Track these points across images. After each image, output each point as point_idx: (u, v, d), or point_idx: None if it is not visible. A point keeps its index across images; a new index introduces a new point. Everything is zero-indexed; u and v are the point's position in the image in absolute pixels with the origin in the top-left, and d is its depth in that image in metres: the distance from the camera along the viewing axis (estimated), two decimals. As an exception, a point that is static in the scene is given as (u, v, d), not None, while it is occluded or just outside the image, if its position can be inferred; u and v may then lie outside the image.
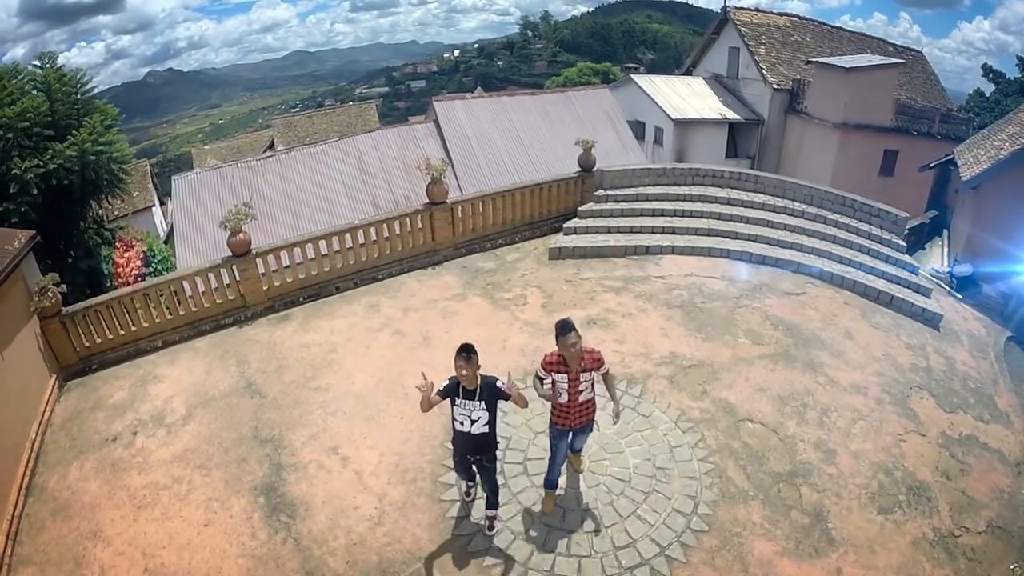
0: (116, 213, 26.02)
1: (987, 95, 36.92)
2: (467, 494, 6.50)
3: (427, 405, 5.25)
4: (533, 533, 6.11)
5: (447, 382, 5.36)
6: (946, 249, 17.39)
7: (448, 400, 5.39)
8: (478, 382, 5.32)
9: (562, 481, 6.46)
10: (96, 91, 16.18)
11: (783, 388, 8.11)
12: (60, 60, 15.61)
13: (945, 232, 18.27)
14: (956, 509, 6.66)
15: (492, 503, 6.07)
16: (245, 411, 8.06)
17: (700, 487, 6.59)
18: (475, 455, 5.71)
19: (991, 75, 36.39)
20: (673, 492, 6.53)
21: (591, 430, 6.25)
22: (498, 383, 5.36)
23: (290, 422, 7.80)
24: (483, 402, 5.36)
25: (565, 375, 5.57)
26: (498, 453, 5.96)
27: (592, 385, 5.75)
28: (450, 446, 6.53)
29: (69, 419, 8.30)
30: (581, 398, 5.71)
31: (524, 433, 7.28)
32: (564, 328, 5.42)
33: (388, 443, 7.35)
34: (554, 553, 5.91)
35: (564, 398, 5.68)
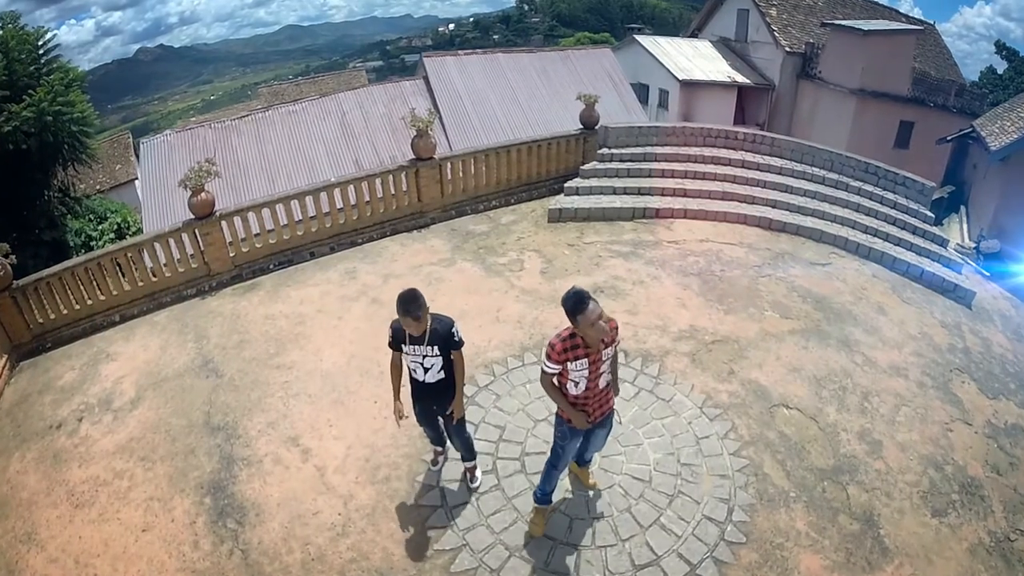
0: (97, 187, 25.34)
1: (999, 72, 36.30)
2: (434, 463, 5.72)
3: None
4: (533, 549, 5.02)
5: (390, 332, 4.73)
6: (965, 226, 16.81)
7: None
8: (426, 326, 4.58)
9: (567, 483, 5.32)
10: (87, 68, 15.21)
11: (818, 368, 7.11)
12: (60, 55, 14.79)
13: (962, 208, 17.69)
14: (1009, 509, 5.84)
15: (468, 457, 5.51)
16: (198, 393, 7.04)
17: (734, 487, 5.52)
18: (437, 405, 5.00)
19: (1004, 52, 35.62)
20: (703, 494, 5.44)
21: (611, 424, 4.95)
22: (453, 329, 4.68)
23: (247, 406, 6.74)
24: (434, 347, 4.66)
25: (585, 359, 4.32)
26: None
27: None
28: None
29: (16, 403, 7.45)
30: (601, 382, 4.53)
31: (521, 421, 6.18)
32: (580, 300, 4.12)
33: (357, 432, 6.27)
34: (559, 575, 4.83)
35: (581, 387, 4.45)
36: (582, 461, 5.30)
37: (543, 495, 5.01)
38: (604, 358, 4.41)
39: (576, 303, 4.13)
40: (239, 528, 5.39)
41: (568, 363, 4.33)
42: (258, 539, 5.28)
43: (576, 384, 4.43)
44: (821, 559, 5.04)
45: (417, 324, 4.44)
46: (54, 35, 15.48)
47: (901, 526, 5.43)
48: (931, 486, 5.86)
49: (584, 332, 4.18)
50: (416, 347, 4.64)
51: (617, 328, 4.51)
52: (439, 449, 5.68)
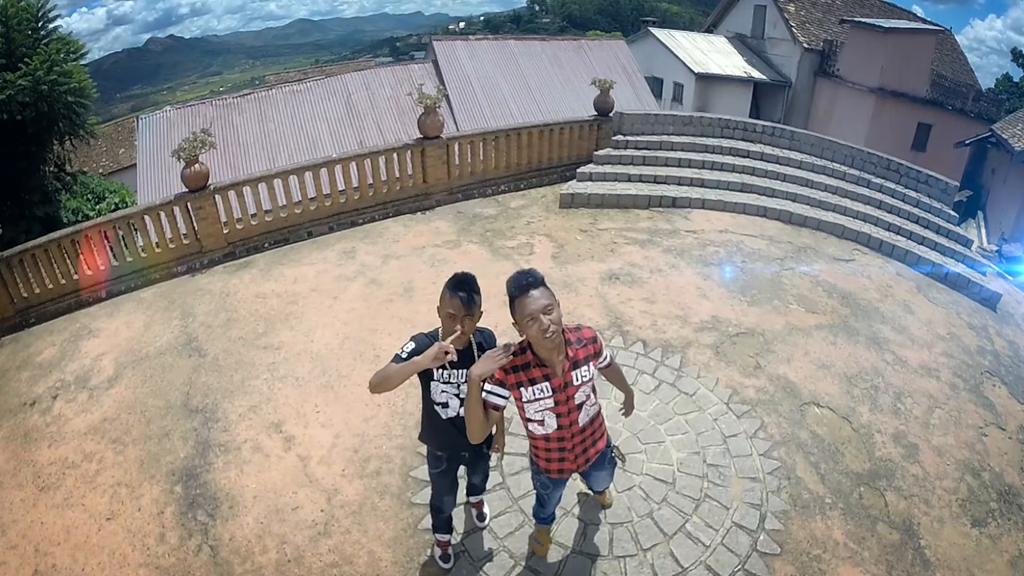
0: (100, 171, 25.03)
1: (1015, 80, 36.17)
2: (445, 558, 4.36)
3: (400, 379, 3.19)
4: (542, 558, 4.41)
5: (413, 344, 3.27)
6: (983, 231, 16.57)
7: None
8: (473, 340, 3.40)
9: (580, 484, 4.64)
10: (97, 57, 14.84)
11: (848, 366, 6.62)
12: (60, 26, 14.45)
13: (980, 214, 17.56)
14: (1047, 519, 5.36)
15: (481, 489, 4.48)
16: (179, 373, 6.56)
17: (766, 492, 4.97)
18: (470, 450, 3.69)
19: (1020, 60, 35.34)
20: (731, 499, 4.88)
21: (612, 464, 3.96)
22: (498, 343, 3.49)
23: (229, 388, 6.24)
24: None
25: (546, 383, 3.13)
26: None
27: (594, 388, 3.36)
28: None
29: (-6, 380, 7.01)
30: (583, 417, 3.33)
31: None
32: (522, 283, 2.96)
33: (347, 419, 5.73)
34: (572, 589, 4.24)
35: (551, 426, 3.28)
36: (593, 491, 4.55)
37: (545, 517, 4.19)
38: (577, 381, 3.18)
39: (518, 285, 2.97)
40: (210, 521, 4.88)
41: (524, 389, 3.13)
42: (230, 535, 4.76)
43: (542, 423, 3.26)
44: (861, 572, 4.52)
45: (465, 315, 3.21)
46: (54, 6, 15.14)
47: (941, 536, 4.97)
48: (969, 494, 5.41)
49: (525, 331, 3.01)
50: (449, 371, 3.38)
51: (595, 339, 3.32)
52: (447, 539, 4.31)
